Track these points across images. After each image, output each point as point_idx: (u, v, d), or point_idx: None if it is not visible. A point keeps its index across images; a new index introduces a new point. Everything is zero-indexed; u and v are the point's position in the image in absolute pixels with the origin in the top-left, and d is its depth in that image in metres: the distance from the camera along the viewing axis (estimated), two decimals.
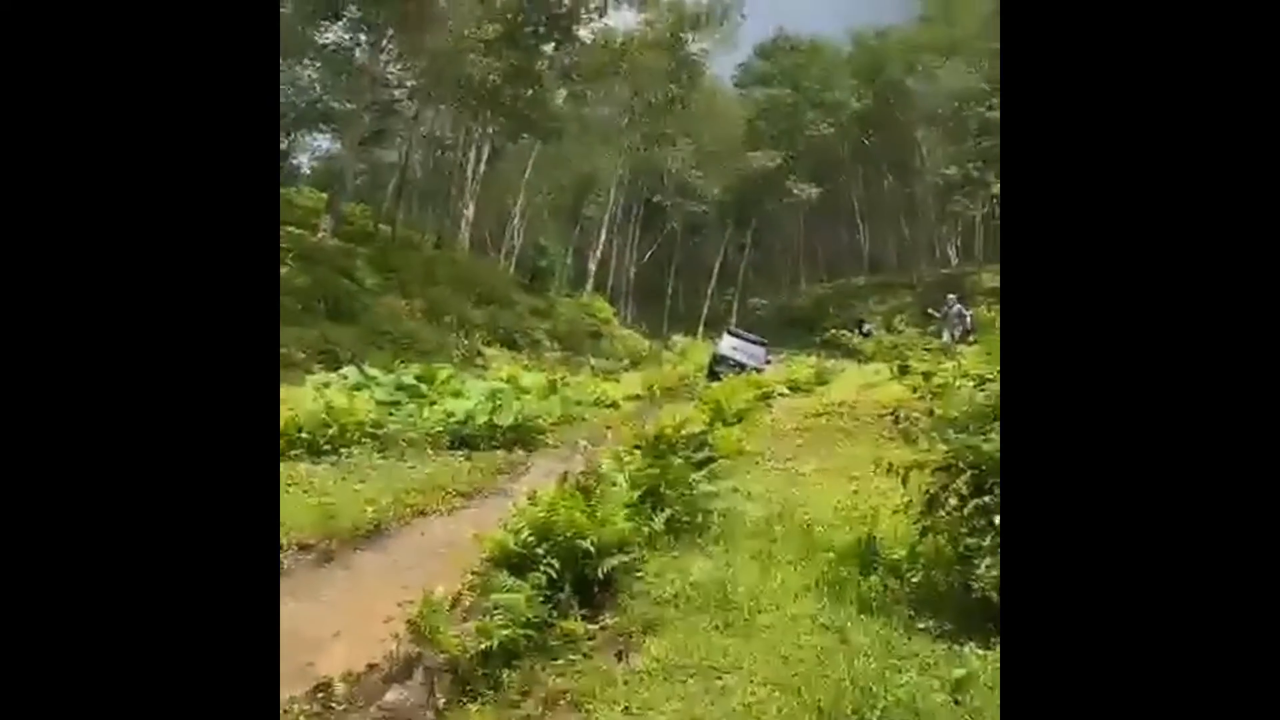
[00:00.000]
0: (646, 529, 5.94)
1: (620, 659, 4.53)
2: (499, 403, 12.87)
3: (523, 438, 12.41)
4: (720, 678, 4.09)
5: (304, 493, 8.25)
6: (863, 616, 4.73)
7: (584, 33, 34.08)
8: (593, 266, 44.65)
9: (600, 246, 45.33)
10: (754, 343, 25.37)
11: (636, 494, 6.45)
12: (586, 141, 41.73)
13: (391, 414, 11.61)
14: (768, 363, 23.69)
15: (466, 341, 22.92)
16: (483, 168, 36.52)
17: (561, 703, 4.19)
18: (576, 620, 4.92)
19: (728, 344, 25.08)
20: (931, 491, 4.95)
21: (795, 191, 48.33)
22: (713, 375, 21.84)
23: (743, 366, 21.38)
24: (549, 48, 32.98)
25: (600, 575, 5.31)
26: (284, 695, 4.59)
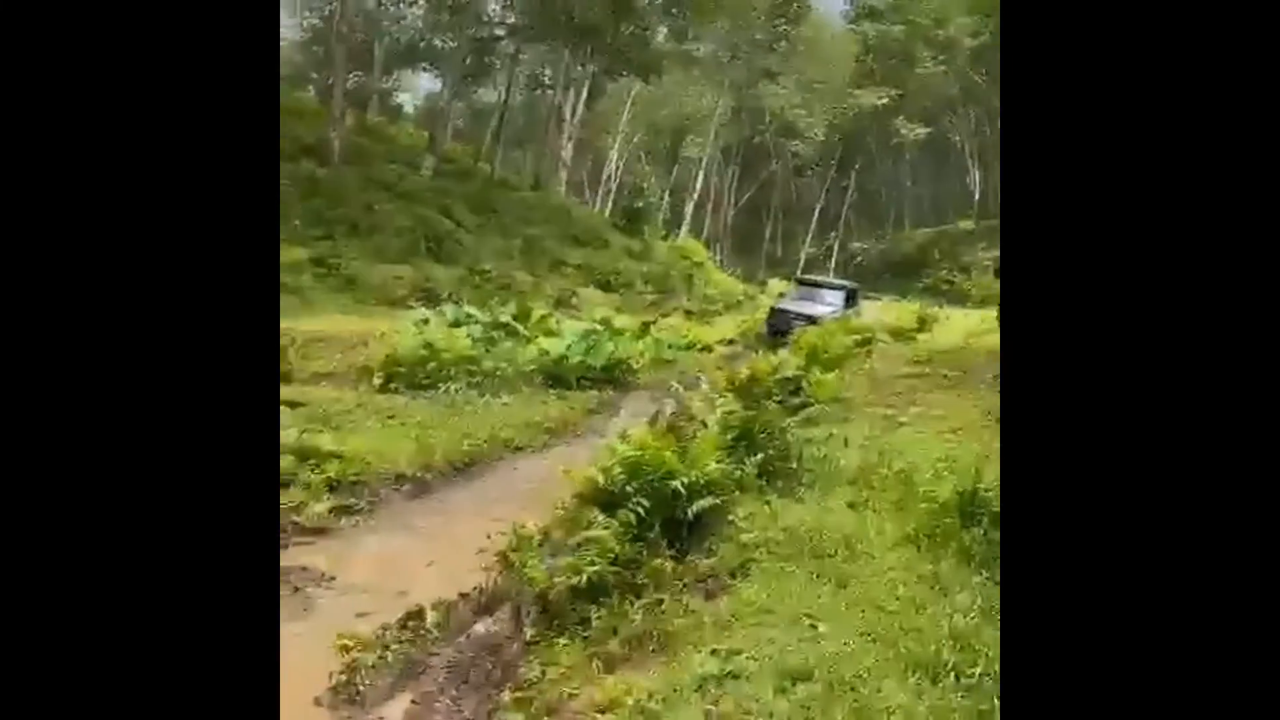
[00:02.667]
0: (738, 472, 5.82)
1: (709, 601, 4.46)
2: (592, 343, 12.89)
3: (615, 378, 12.49)
4: (813, 626, 3.97)
5: (401, 425, 8.42)
6: (963, 570, 4.54)
7: None
8: (690, 209, 44.12)
9: (698, 188, 44.65)
10: (834, 288, 20.81)
11: (729, 437, 6.32)
12: (687, 80, 40.91)
13: (488, 351, 11.73)
14: (854, 310, 19.47)
15: (562, 282, 22.95)
16: (581, 108, 36.19)
17: (649, 642, 4.14)
18: (665, 560, 4.86)
19: (791, 295, 20.78)
20: None
21: (903, 131, 46.50)
22: (774, 333, 17.93)
23: (813, 319, 17.11)
24: None
25: (689, 516, 5.23)
26: (376, 622, 4.69)
